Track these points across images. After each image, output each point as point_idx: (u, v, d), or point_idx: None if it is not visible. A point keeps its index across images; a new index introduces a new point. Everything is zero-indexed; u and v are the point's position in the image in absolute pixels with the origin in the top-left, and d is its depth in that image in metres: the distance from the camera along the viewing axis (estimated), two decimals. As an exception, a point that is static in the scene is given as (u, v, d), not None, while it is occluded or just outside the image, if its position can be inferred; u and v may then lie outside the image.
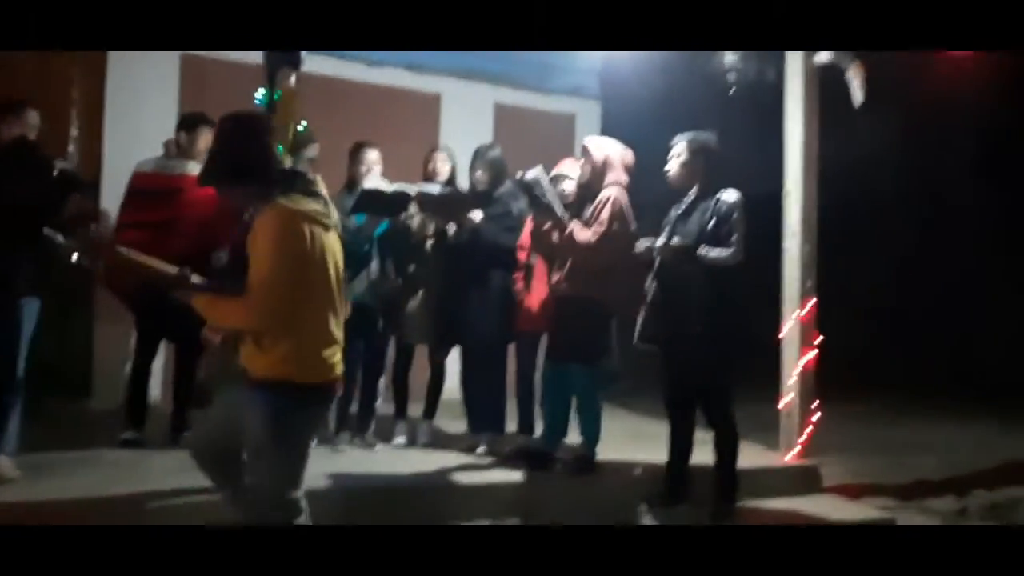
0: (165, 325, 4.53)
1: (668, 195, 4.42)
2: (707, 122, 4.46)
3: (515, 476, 4.40)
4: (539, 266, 4.79)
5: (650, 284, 4.30)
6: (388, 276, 4.85)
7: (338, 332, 2.78)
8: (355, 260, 4.68)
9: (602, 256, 4.36)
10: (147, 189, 4.55)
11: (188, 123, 4.67)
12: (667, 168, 4.34)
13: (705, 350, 4.09)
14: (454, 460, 4.69)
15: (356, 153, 4.94)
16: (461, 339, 4.96)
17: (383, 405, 5.10)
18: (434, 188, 4.80)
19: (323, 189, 2.81)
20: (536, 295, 4.78)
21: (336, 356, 2.77)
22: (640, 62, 7.07)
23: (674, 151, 4.32)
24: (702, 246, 4.09)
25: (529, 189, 4.37)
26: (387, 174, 4.98)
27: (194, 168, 4.52)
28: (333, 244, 2.78)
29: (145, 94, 5.92)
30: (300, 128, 4.33)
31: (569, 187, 4.73)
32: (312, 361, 2.70)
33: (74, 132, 5.82)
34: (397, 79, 6.91)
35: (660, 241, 4.21)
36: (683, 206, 4.28)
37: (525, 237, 4.87)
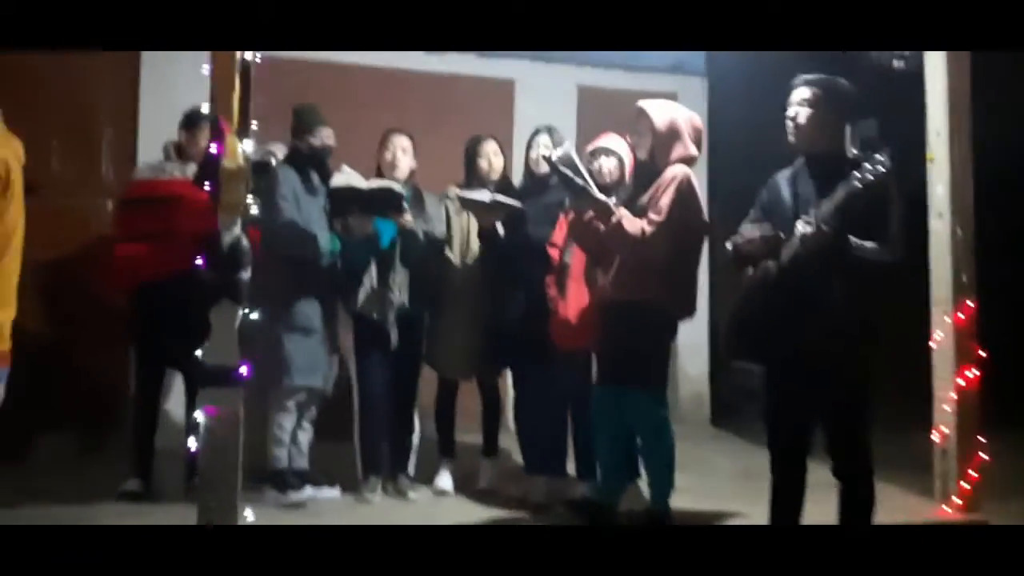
0: (168, 346, 3.90)
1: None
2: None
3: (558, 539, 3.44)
4: (575, 264, 3.83)
5: (754, 283, 3.16)
6: (391, 289, 4.01)
7: None
8: (355, 271, 3.97)
9: (660, 253, 3.38)
10: (142, 198, 4.01)
11: (188, 120, 4.11)
12: (791, 119, 3.06)
13: (846, 372, 2.91)
14: (505, 514, 3.83)
15: (383, 140, 4.19)
16: (511, 356, 4.08)
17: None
18: (483, 195, 3.96)
19: None
20: (573, 301, 3.82)
21: None
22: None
23: (798, 96, 3.06)
24: (851, 237, 2.86)
25: (557, 169, 3.44)
26: (450, 169, 4.24)
27: (193, 171, 3.96)
28: None
29: (178, 96, 5.41)
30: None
31: (610, 165, 3.78)
32: None
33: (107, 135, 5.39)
34: (464, 66, 6.14)
35: (803, 228, 2.88)
36: (813, 179, 3.02)
37: (558, 233, 3.95)
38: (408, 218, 3.95)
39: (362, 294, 3.97)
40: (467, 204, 4.01)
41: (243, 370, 3.05)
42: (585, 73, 6.47)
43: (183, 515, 3.18)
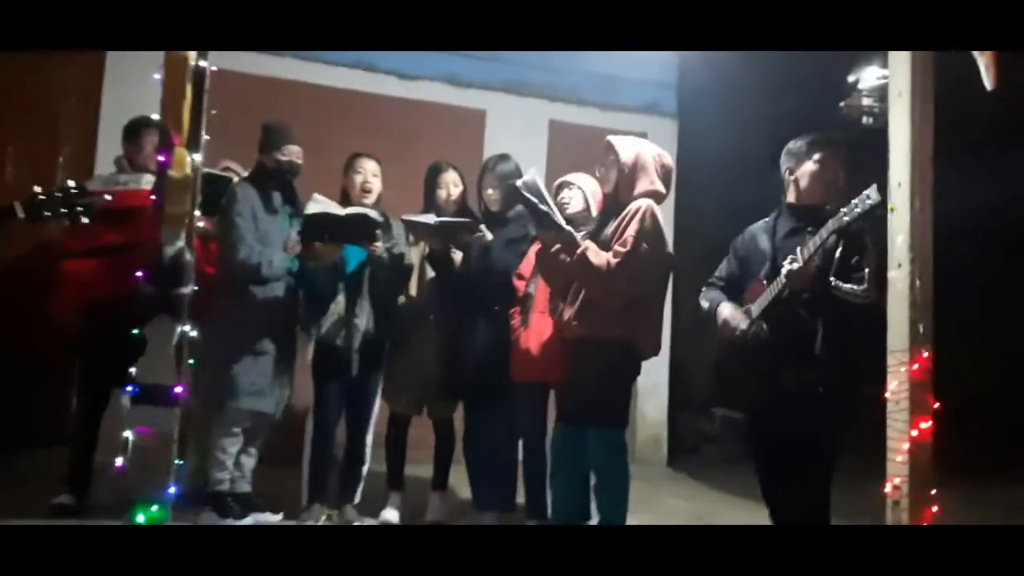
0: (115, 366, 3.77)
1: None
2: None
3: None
4: (540, 296, 3.78)
5: (743, 326, 3.16)
6: (357, 316, 3.93)
7: None
8: (319, 296, 3.88)
9: (625, 286, 3.32)
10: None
11: (129, 130, 4.06)
12: (793, 179, 3.19)
13: (828, 415, 3.01)
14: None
15: (350, 163, 4.12)
16: (464, 390, 3.98)
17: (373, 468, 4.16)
18: (428, 218, 3.90)
19: None
20: (535, 333, 3.76)
21: None
22: (723, 73, 6.09)
23: (807, 154, 3.17)
24: (831, 278, 3.00)
25: (521, 195, 3.39)
26: (416, 196, 4.18)
27: (149, 182, 3.86)
28: None
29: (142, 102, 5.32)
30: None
31: (576, 200, 3.76)
32: None
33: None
34: (436, 94, 6.13)
35: (789, 265, 2.99)
36: (796, 223, 3.15)
37: (525, 265, 3.89)
38: (379, 245, 3.88)
39: (327, 321, 3.89)
40: (412, 228, 3.95)
41: (178, 389, 2.93)
42: (557, 108, 6.51)
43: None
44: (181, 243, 2.97)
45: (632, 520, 3.54)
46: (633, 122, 6.67)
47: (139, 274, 2.98)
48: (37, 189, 2.30)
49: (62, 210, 2.30)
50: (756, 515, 3.39)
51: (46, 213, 2.29)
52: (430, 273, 4.08)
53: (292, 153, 4.01)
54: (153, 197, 3.05)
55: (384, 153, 4.36)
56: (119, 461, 2.96)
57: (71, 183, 2.32)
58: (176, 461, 2.95)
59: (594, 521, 3.65)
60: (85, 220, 2.42)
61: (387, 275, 3.97)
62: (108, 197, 2.52)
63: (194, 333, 3.03)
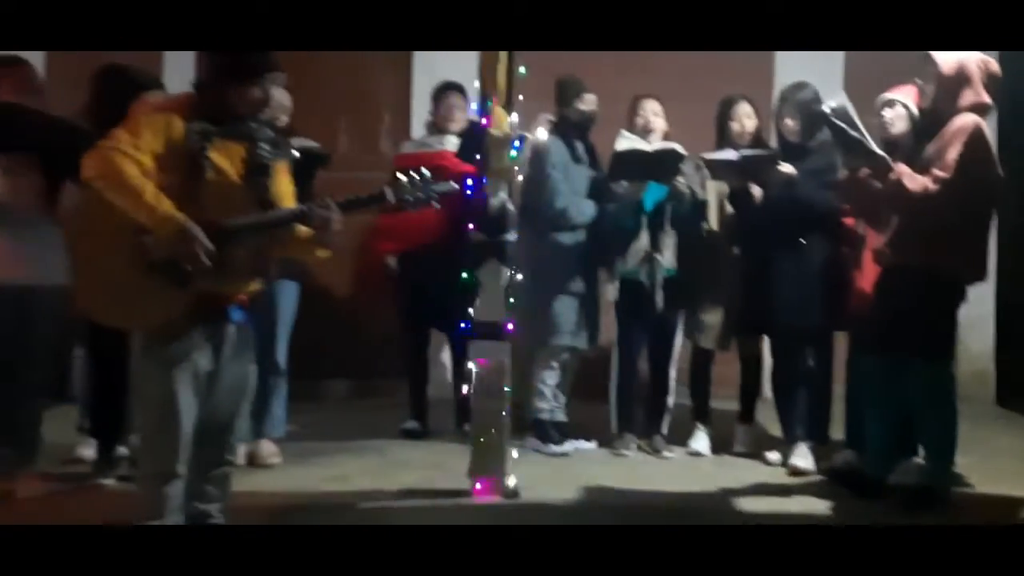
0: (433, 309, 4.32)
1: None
2: None
3: (824, 507, 3.38)
4: (872, 236, 3.61)
5: None
6: (661, 251, 4.04)
7: None
8: (623, 234, 4.03)
9: (946, 211, 3.12)
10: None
11: (435, 94, 4.51)
12: None
13: None
14: (761, 474, 3.83)
15: (632, 106, 4.23)
16: (772, 325, 3.97)
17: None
18: (729, 154, 3.89)
19: None
20: (870, 272, 3.60)
21: None
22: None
23: None
24: None
25: (830, 122, 3.28)
26: (700, 138, 4.19)
27: (452, 143, 4.27)
28: None
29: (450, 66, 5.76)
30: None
31: (899, 121, 3.52)
32: None
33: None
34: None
35: None
36: None
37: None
38: (682, 180, 3.98)
39: (631, 258, 4.05)
40: (714, 166, 3.95)
41: (510, 326, 3.28)
42: None
43: (457, 451, 3.62)
44: (504, 195, 3.30)
45: (958, 459, 3.39)
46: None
47: (470, 225, 3.35)
48: (402, 177, 2.64)
49: (419, 195, 2.63)
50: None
51: (408, 198, 2.62)
52: (727, 209, 4.10)
53: (590, 102, 4.21)
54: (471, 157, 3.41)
55: (669, 93, 4.40)
56: (464, 388, 3.39)
57: (425, 172, 2.64)
58: (505, 388, 3.34)
59: (919, 458, 3.53)
60: (436, 205, 2.72)
61: (689, 210, 4.05)
62: (455, 187, 2.84)
63: (519, 276, 3.36)
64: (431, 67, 5.75)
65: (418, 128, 5.67)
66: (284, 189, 2.71)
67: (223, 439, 2.77)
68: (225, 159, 2.56)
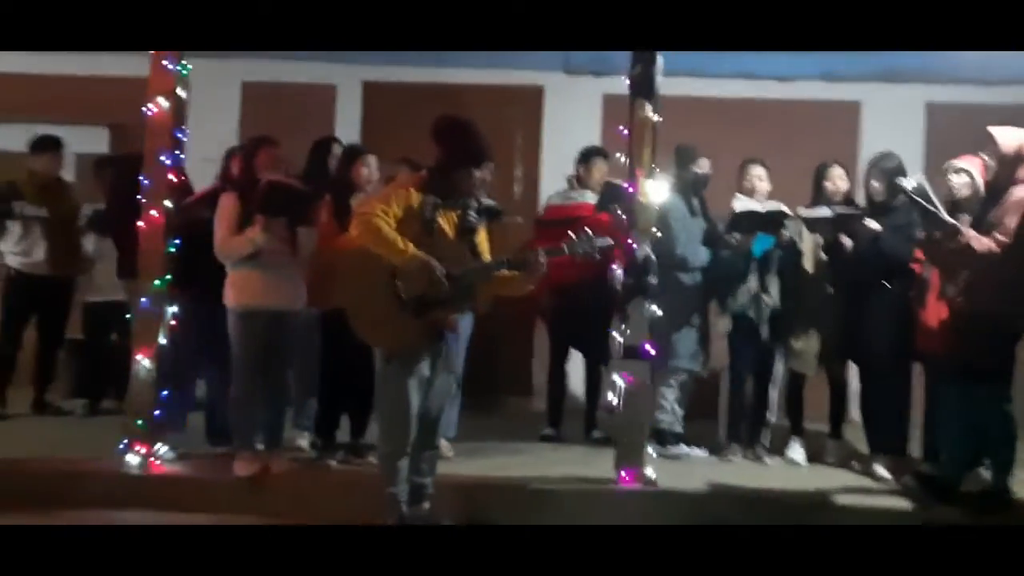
0: (577, 332, 5.23)
1: None
2: None
3: (904, 505, 4.14)
4: (934, 280, 4.38)
5: None
6: (768, 292, 4.87)
7: None
8: (735, 275, 4.87)
9: (1007, 267, 3.87)
10: (554, 219, 5.21)
11: (583, 157, 5.33)
12: None
13: None
14: (848, 479, 4.58)
15: (742, 169, 5.08)
16: (858, 354, 4.76)
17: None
18: (823, 211, 4.70)
19: None
20: (933, 311, 4.37)
21: None
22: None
23: None
24: None
25: (911, 197, 4.07)
26: (794, 190, 5.01)
27: (591, 197, 5.17)
28: None
29: (574, 128, 6.62)
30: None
31: (965, 187, 4.27)
32: None
33: (518, 173, 6.87)
34: (809, 91, 6.75)
35: None
36: None
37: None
38: (786, 232, 4.83)
39: (742, 296, 4.88)
40: (811, 221, 4.73)
41: (649, 348, 4.16)
42: (933, 90, 6.66)
43: (591, 453, 4.64)
44: (647, 247, 4.19)
45: (1019, 472, 4.09)
46: (1018, 94, 6.65)
47: (618, 270, 4.25)
48: (573, 236, 3.59)
49: (587, 249, 3.59)
50: None
51: (579, 251, 3.60)
52: (821, 256, 4.89)
53: (704, 165, 5.08)
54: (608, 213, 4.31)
55: (767, 152, 5.20)
56: (614, 401, 4.26)
57: (588, 231, 3.63)
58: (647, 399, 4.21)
59: (985, 468, 4.24)
60: (598, 256, 3.71)
61: (792, 257, 4.88)
62: (611, 242, 3.84)
63: (657, 310, 4.24)
64: (560, 125, 6.73)
65: (547, 177, 6.65)
66: (484, 244, 3.71)
67: (433, 429, 3.76)
68: (447, 223, 3.59)
